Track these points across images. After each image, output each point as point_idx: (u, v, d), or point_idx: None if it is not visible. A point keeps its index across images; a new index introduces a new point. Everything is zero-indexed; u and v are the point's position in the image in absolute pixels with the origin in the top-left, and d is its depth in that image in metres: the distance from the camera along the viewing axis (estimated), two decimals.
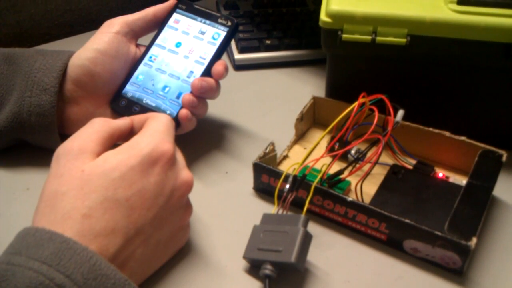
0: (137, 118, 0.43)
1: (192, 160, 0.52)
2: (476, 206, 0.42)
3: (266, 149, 0.48)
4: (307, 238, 0.38)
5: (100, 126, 0.39)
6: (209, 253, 0.43)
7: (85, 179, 0.35)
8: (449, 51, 0.48)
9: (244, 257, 0.40)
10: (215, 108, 0.58)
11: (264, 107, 0.61)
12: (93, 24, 0.80)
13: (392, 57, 0.50)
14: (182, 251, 0.42)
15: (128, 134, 0.41)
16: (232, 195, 0.49)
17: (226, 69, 0.51)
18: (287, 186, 0.43)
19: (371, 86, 0.47)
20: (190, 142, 0.54)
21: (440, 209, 0.44)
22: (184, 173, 0.39)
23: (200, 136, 0.55)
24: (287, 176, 0.44)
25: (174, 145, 0.39)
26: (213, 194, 0.49)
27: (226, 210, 0.47)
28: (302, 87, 0.64)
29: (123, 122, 0.42)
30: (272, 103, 0.62)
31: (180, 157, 0.40)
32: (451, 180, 0.48)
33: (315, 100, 0.55)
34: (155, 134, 0.39)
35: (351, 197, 0.43)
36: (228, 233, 0.45)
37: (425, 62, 0.50)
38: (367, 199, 0.46)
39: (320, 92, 0.59)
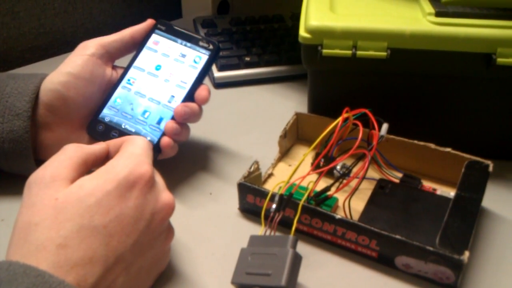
0: (112, 143, 0.41)
1: (174, 182, 0.51)
2: (466, 218, 0.41)
3: (250, 168, 0.47)
4: (296, 260, 0.37)
5: (73, 152, 0.37)
6: (195, 280, 0.41)
7: (59, 208, 0.33)
8: (430, 63, 0.48)
9: (232, 282, 0.38)
10: (197, 128, 0.57)
11: (246, 125, 0.60)
12: (68, 46, 0.79)
13: (373, 71, 0.49)
14: (166, 279, 0.41)
15: (104, 159, 0.40)
16: (217, 217, 0.47)
17: (209, 94, 0.50)
18: (274, 206, 0.42)
19: (353, 101, 0.47)
20: (172, 163, 0.52)
21: (430, 223, 0.43)
22: (164, 195, 0.38)
23: (182, 157, 0.54)
24: (273, 196, 0.43)
25: (153, 167, 0.38)
26: (198, 217, 0.47)
27: (211, 233, 0.46)
28: (284, 103, 0.64)
29: (97, 147, 0.40)
30: (254, 120, 0.61)
31: (159, 179, 0.39)
32: (438, 192, 0.48)
33: (298, 116, 0.54)
34: (131, 156, 0.37)
35: (339, 214, 0.42)
36: (214, 258, 0.43)
37: (406, 75, 0.50)
38: (355, 216, 0.45)
39: (302, 107, 0.58)
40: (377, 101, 0.48)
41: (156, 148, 0.48)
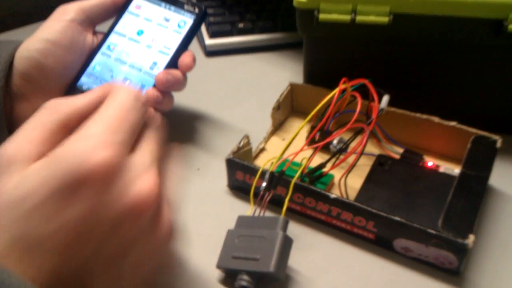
0: (101, 91, 0.31)
1: None
2: (471, 198, 0.38)
3: (240, 143, 0.44)
4: (287, 243, 0.34)
5: (48, 115, 0.30)
6: (178, 262, 0.38)
7: None
8: (435, 29, 0.44)
9: (218, 267, 0.36)
10: (184, 98, 0.53)
11: (238, 96, 0.56)
12: (52, 11, 0.74)
13: (374, 38, 0.46)
14: None
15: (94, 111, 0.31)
16: (205, 194, 0.44)
17: (194, 61, 0.47)
18: (264, 184, 0.39)
19: (352, 70, 0.43)
20: None
21: (432, 203, 0.40)
22: (141, 184, 0.28)
23: (168, 129, 0.50)
24: (263, 173, 0.40)
25: (126, 143, 0.29)
26: (183, 194, 0.44)
27: (197, 212, 0.43)
28: (278, 73, 0.60)
29: (83, 100, 0.31)
30: (247, 91, 0.57)
31: (142, 155, 0.29)
32: (442, 169, 0.44)
33: (292, 87, 0.51)
34: (95, 134, 0.28)
35: (334, 192, 0.39)
36: (200, 238, 0.40)
37: (410, 42, 0.46)
38: (352, 194, 0.42)
39: (298, 78, 0.55)
40: (377, 70, 0.44)
41: None
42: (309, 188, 0.39)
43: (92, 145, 0.27)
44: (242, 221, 0.38)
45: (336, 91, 0.42)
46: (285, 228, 0.35)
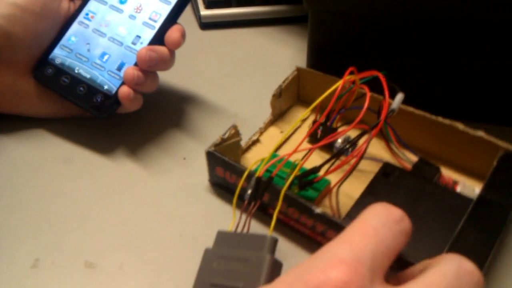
0: None
1: (141, 142, 0.43)
2: (487, 230, 0.32)
3: (225, 134, 0.38)
4: (275, 269, 0.28)
5: None
6: (151, 270, 0.33)
7: None
8: (469, 9, 0.37)
9: None
10: (173, 76, 0.48)
11: (234, 75, 0.50)
12: None
13: (393, 14, 0.39)
14: (118, 266, 0.33)
15: None
16: (190, 188, 0.39)
17: (184, 36, 0.41)
18: (249, 191, 0.33)
19: (364, 52, 0.38)
20: (139, 118, 0.44)
21: (440, 230, 0.34)
22: None
23: (152, 111, 0.45)
24: (249, 175, 0.34)
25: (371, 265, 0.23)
26: (166, 187, 0.39)
27: (181, 209, 0.38)
28: (281, 51, 0.53)
29: None
30: (245, 70, 0.51)
31: None
32: (460, 186, 0.37)
33: (300, 72, 0.44)
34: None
35: (331, 202, 0.33)
36: (181, 241, 0.35)
37: (441, 22, 0.39)
38: (349, 204, 0.36)
39: (303, 57, 0.48)
40: (395, 55, 0.38)
41: (115, 99, 0.40)
42: (292, 198, 0.33)
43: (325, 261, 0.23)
44: (222, 238, 0.31)
45: (340, 82, 0.35)
46: (273, 249, 0.29)
